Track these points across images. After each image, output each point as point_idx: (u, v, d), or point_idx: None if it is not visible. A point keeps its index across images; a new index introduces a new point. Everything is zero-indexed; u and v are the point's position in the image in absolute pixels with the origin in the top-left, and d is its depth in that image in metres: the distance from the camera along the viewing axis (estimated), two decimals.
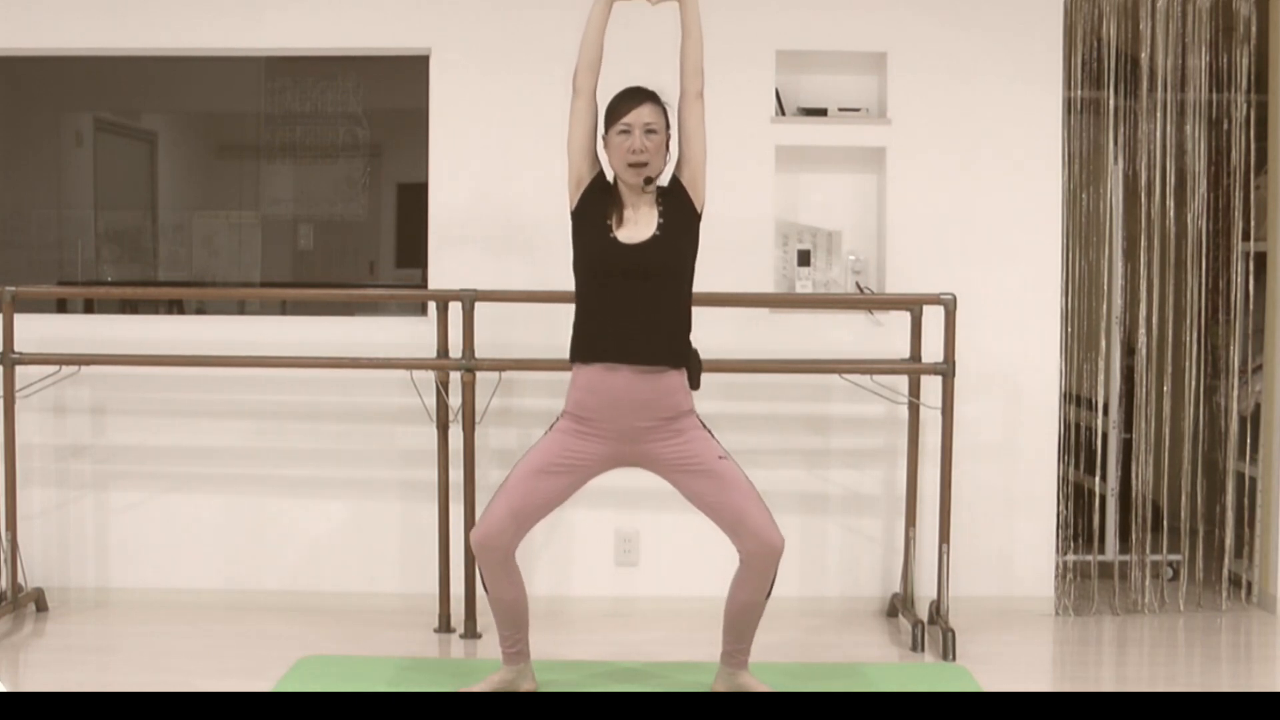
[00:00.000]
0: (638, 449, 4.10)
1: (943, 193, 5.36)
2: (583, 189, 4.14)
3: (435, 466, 5.14)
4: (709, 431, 4.14)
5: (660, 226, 4.07)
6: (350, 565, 5.44)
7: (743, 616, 4.19)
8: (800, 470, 5.39)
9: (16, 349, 5.14)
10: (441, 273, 5.35)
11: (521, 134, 5.32)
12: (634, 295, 4.04)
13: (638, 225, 4.08)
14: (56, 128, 5.83)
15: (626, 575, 5.41)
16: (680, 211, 4.11)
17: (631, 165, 4.06)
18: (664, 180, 4.15)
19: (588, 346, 4.08)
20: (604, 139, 4.12)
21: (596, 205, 4.11)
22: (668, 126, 4.12)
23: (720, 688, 4.30)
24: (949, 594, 5.05)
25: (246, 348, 5.27)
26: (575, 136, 4.13)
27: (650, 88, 4.12)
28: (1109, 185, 5.56)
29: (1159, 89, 5.45)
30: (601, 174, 4.17)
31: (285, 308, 5.62)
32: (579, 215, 4.13)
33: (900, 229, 5.35)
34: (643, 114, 4.07)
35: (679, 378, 4.09)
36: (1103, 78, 5.45)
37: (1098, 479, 5.74)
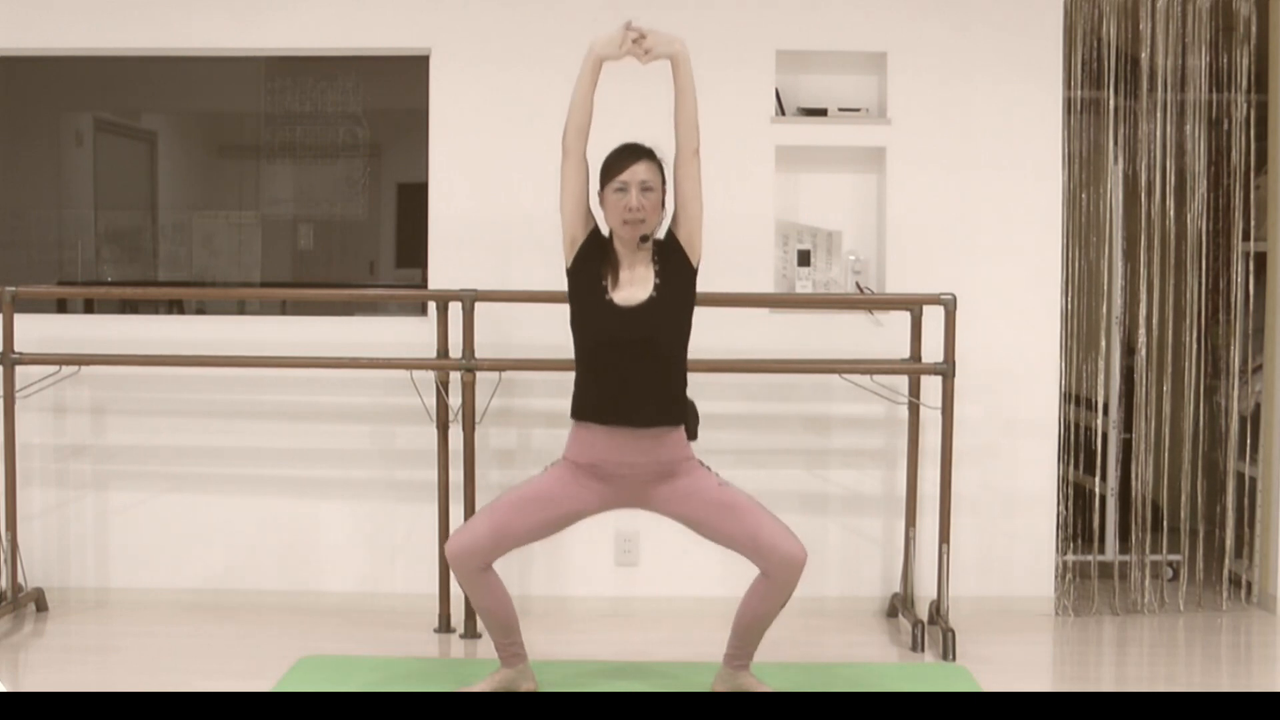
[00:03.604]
0: (636, 494, 4.13)
1: (943, 192, 5.36)
2: (577, 247, 4.10)
3: (435, 466, 5.14)
4: (706, 467, 4.16)
5: (656, 287, 4.06)
6: (350, 565, 5.44)
7: (756, 624, 4.19)
8: (800, 470, 5.39)
9: (16, 349, 5.14)
10: (441, 273, 5.35)
11: (521, 134, 5.32)
12: (631, 359, 4.03)
13: (634, 286, 4.06)
14: (56, 128, 5.82)
15: (626, 575, 5.41)
16: (676, 269, 4.09)
17: (628, 223, 4.04)
18: (660, 233, 4.14)
19: (587, 407, 4.08)
20: (600, 195, 4.09)
21: (592, 265, 4.08)
22: (664, 183, 4.10)
23: (720, 687, 4.30)
24: (949, 594, 5.05)
25: (246, 348, 5.27)
26: (567, 197, 4.09)
27: (646, 144, 4.10)
28: (1109, 185, 5.56)
29: (1159, 89, 5.45)
30: (596, 231, 4.13)
31: (285, 308, 5.62)
32: (574, 274, 4.11)
33: (900, 229, 5.35)
34: (639, 171, 4.04)
35: (677, 433, 4.10)
36: (1103, 78, 5.44)
37: (1098, 479, 5.74)
